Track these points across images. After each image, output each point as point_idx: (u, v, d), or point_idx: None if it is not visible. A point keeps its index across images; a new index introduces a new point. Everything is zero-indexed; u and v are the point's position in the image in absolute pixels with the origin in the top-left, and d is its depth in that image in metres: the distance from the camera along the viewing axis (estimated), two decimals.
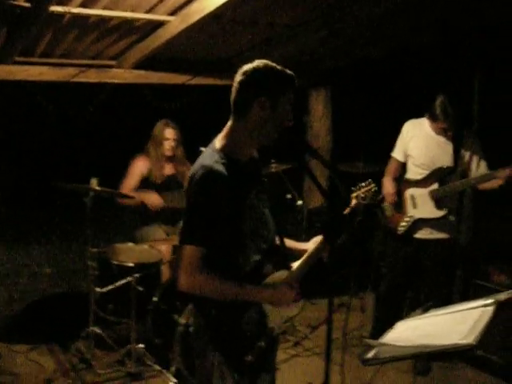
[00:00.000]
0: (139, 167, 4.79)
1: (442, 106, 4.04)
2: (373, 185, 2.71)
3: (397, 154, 4.50)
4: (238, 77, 2.33)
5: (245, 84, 2.30)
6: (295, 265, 2.53)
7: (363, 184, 2.72)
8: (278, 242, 2.52)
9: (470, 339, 2.01)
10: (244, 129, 2.33)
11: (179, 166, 4.89)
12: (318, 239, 2.60)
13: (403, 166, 4.50)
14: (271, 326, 2.42)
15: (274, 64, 2.32)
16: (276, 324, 2.45)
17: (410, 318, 2.58)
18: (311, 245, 2.61)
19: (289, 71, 2.33)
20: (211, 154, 2.31)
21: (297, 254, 2.61)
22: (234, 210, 2.28)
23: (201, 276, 2.21)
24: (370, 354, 2.25)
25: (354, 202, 2.69)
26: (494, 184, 4.02)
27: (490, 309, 2.24)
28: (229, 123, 2.38)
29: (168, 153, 4.78)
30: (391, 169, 4.53)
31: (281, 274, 2.45)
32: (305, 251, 2.59)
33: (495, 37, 4.72)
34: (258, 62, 2.32)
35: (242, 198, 2.32)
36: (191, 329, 2.45)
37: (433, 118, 4.16)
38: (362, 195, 2.68)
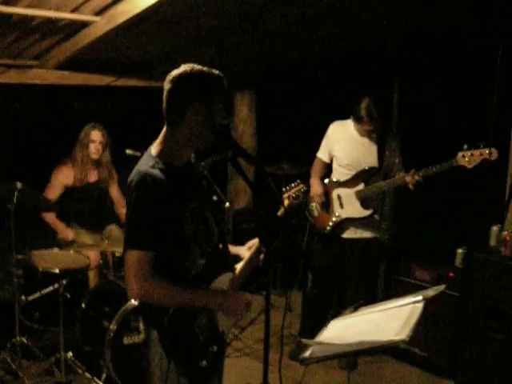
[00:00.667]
0: (62, 177, 4.66)
1: (368, 109, 4.14)
2: (302, 185, 2.76)
3: (322, 154, 4.60)
4: (167, 84, 2.30)
5: (175, 92, 2.29)
6: (237, 267, 2.58)
7: (293, 184, 2.76)
8: (220, 245, 2.51)
9: (404, 335, 2.10)
10: (180, 135, 2.32)
11: (103, 172, 4.82)
12: (253, 242, 2.64)
13: (328, 166, 4.61)
14: (222, 330, 2.45)
15: (200, 66, 2.31)
16: (226, 327, 2.48)
17: (342, 316, 2.65)
18: (244, 250, 2.65)
19: (216, 71, 2.32)
20: (147, 160, 2.31)
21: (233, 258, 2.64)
22: (174, 213, 2.27)
23: (152, 281, 2.21)
24: (307, 354, 2.30)
25: (286, 202, 2.72)
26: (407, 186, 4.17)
27: (420, 305, 2.34)
28: (163, 130, 2.37)
29: (94, 156, 4.68)
30: (316, 169, 4.63)
31: (225, 277, 2.47)
32: (238, 255, 2.64)
33: (415, 40, 4.91)
34: (184, 67, 2.30)
35: (182, 201, 2.32)
36: (141, 339, 2.44)
37: (358, 120, 4.26)
38: (294, 195, 2.72)
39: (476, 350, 4.06)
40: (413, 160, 4.27)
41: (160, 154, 2.32)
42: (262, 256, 2.59)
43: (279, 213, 2.60)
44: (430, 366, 4.43)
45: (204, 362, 2.35)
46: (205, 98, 2.27)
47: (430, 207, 5.13)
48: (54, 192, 4.64)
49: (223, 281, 2.45)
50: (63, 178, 4.67)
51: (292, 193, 2.73)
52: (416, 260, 4.59)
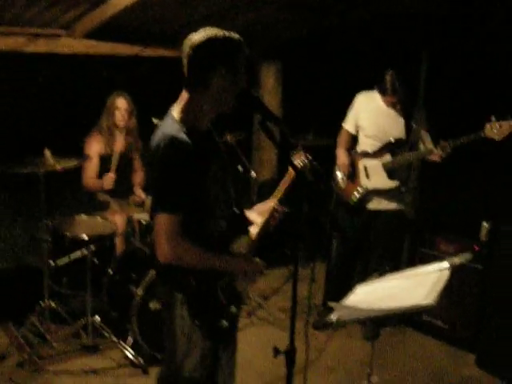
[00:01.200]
0: (94, 148, 4.71)
1: (391, 81, 4.12)
2: (302, 151, 2.65)
3: (348, 125, 4.57)
4: (189, 50, 2.28)
5: (199, 57, 2.27)
6: (253, 231, 2.60)
7: (295, 151, 2.73)
8: (236, 210, 2.55)
9: (431, 299, 2.11)
10: (204, 100, 2.32)
11: (130, 139, 4.84)
12: (263, 207, 2.67)
13: (354, 138, 4.59)
14: (239, 291, 2.51)
15: (219, 30, 2.29)
16: (243, 288, 2.53)
17: (368, 282, 2.68)
18: (255, 214, 2.67)
19: (236, 35, 2.31)
20: (172, 124, 2.32)
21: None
22: (199, 177, 2.30)
23: (183, 243, 2.25)
24: (334, 317, 2.33)
25: (290, 171, 2.64)
26: (434, 158, 4.14)
27: (447, 272, 2.35)
28: (186, 95, 2.36)
29: (120, 123, 4.70)
30: (342, 140, 4.61)
31: (243, 240, 2.53)
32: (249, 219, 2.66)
33: (444, 17, 4.84)
34: (205, 32, 2.28)
35: (206, 165, 2.35)
36: (157, 304, 2.49)
37: (382, 92, 4.25)
38: (302, 163, 2.63)
39: (498, 323, 4.06)
40: (440, 132, 4.23)
41: (184, 119, 2.33)
42: (273, 220, 2.62)
43: (286, 183, 2.62)
44: (452, 338, 4.45)
45: (225, 322, 2.42)
46: (229, 63, 2.28)
47: (455, 180, 5.10)
48: (92, 166, 4.68)
49: (242, 243, 2.51)
50: (95, 148, 4.71)
51: (299, 160, 2.69)
52: (441, 233, 4.57)
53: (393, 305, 2.19)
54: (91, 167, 4.69)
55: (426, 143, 4.28)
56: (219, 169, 2.43)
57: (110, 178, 4.67)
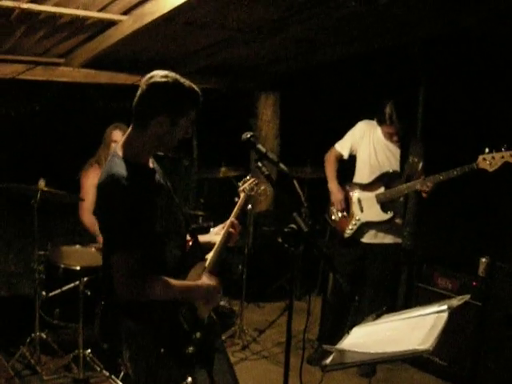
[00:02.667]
0: (91, 179, 4.68)
1: (390, 112, 4.12)
2: (253, 179, 3.00)
3: (341, 147, 4.52)
4: (143, 85, 2.29)
5: (146, 98, 2.28)
6: (209, 256, 2.66)
7: (246, 179, 3.01)
8: (189, 237, 2.61)
9: (428, 345, 2.07)
10: (141, 139, 2.33)
11: None
12: (221, 226, 2.76)
13: (342, 162, 4.57)
14: (201, 318, 2.53)
15: (182, 80, 2.30)
16: (204, 315, 2.56)
17: (364, 323, 2.63)
18: (213, 236, 2.76)
19: (196, 89, 2.33)
20: (114, 161, 2.33)
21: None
22: (147, 211, 2.30)
23: (141, 278, 2.23)
24: (328, 360, 2.28)
25: (242, 194, 2.93)
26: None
27: (445, 315, 2.31)
28: (130, 130, 2.38)
29: None
30: (331, 164, 4.56)
31: (199, 266, 2.56)
32: (208, 243, 2.71)
33: (441, 45, 4.87)
34: (166, 76, 2.28)
35: (151, 199, 2.35)
36: (130, 351, 2.52)
37: (380, 122, 4.26)
38: (248, 188, 2.95)
39: (497, 360, 4.00)
40: (436, 164, 4.21)
41: (126, 156, 2.33)
42: (232, 237, 2.74)
43: (237, 206, 2.85)
44: (449, 375, 4.37)
45: (191, 348, 2.43)
46: (174, 114, 2.29)
47: (453, 215, 5.08)
48: (88, 194, 4.65)
49: (198, 270, 2.54)
50: (92, 179, 4.68)
51: (246, 186, 2.95)
52: (438, 268, 4.52)
53: (389, 349, 2.14)
54: (88, 199, 4.64)
55: (421, 176, 4.26)
56: (165, 200, 2.44)
57: None
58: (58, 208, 4.42)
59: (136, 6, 3.87)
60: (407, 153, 4.30)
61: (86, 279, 3.98)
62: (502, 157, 3.65)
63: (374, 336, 2.39)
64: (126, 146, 2.36)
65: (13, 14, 3.76)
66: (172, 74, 2.29)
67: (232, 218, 2.77)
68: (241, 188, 2.95)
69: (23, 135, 5.74)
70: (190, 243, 2.60)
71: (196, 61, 5.26)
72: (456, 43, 4.81)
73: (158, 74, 2.29)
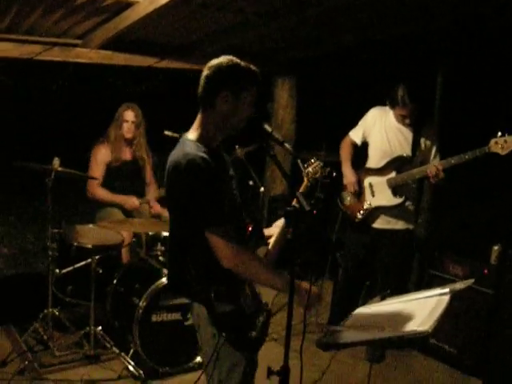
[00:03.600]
0: (101, 155, 4.77)
1: (402, 93, 4.12)
2: (318, 161, 2.87)
3: (354, 135, 4.56)
4: (205, 71, 2.45)
5: (209, 78, 2.42)
6: (270, 242, 2.68)
7: (310, 162, 2.86)
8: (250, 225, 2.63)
9: (426, 327, 2.07)
10: (211, 120, 2.45)
11: (137, 151, 4.88)
12: (280, 222, 2.73)
13: (356, 149, 4.56)
14: (265, 302, 2.56)
15: (238, 60, 2.43)
16: (268, 298, 2.60)
17: (368, 304, 2.64)
18: (274, 229, 2.75)
19: (253, 67, 2.45)
20: (189, 144, 2.41)
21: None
22: (220, 193, 2.37)
23: (240, 249, 2.34)
24: (329, 339, 2.30)
25: (305, 180, 2.83)
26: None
27: (446, 298, 2.31)
28: (199, 115, 2.50)
29: (127, 135, 4.77)
30: (346, 150, 4.59)
31: (262, 250, 2.60)
32: (269, 236, 2.72)
33: (460, 32, 4.82)
34: (223, 58, 2.44)
35: (223, 181, 2.44)
36: (191, 322, 2.58)
37: (392, 104, 4.24)
38: (312, 171, 2.83)
39: (507, 349, 3.98)
40: (451, 150, 4.18)
41: (199, 139, 2.44)
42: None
43: (301, 188, 2.77)
44: (458, 363, 4.36)
45: (254, 333, 2.47)
46: (235, 89, 2.40)
47: (467, 202, 5.04)
48: (97, 171, 4.72)
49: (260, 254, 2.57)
50: (102, 156, 4.77)
51: (310, 169, 2.84)
52: (450, 255, 4.51)
53: (389, 330, 2.15)
54: (97, 174, 4.71)
55: (434, 160, 4.23)
56: (229, 187, 2.52)
57: (133, 202, 4.74)
58: (72, 187, 4.46)
59: None
60: (420, 136, 4.28)
61: (97, 257, 4.04)
62: None
63: (376, 317, 2.40)
64: (198, 129, 2.48)
65: None
66: (228, 56, 2.43)
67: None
68: (305, 171, 2.84)
69: (39, 115, 5.81)
70: (250, 228, 2.62)
71: (212, 44, 5.26)
72: (474, 30, 4.75)
73: (215, 60, 2.44)
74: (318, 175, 2.83)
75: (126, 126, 4.75)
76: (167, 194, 2.49)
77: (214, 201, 2.32)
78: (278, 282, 2.43)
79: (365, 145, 4.56)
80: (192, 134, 2.47)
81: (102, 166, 4.76)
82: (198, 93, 2.47)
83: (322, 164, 2.86)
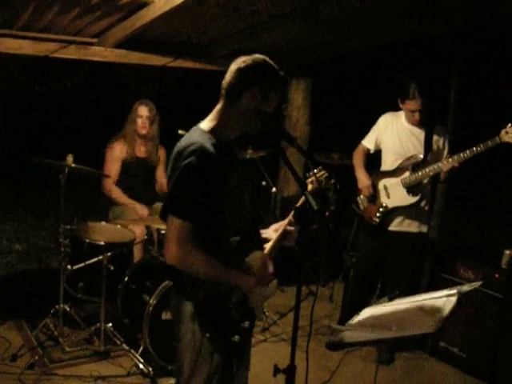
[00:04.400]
0: (116, 152, 4.81)
1: (413, 87, 4.15)
2: (324, 171, 2.84)
3: (367, 141, 4.59)
4: (236, 64, 2.42)
5: (243, 71, 2.39)
6: (267, 246, 2.61)
7: (316, 170, 2.83)
8: (253, 225, 2.61)
9: (433, 327, 2.07)
10: (232, 114, 2.43)
11: (151, 147, 4.92)
12: (279, 224, 2.70)
13: (369, 156, 4.57)
14: (252, 306, 2.50)
15: (271, 61, 2.44)
16: (256, 305, 2.53)
17: (376, 305, 2.64)
18: (271, 232, 2.70)
19: (283, 72, 2.45)
20: (200, 133, 2.38)
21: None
22: (219, 189, 2.35)
23: (190, 249, 2.27)
24: (336, 339, 2.31)
25: (310, 186, 2.79)
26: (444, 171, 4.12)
27: (453, 299, 2.31)
28: (218, 106, 2.46)
29: (141, 130, 4.80)
30: (359, 156, 4.63)
31: (255, 255, 2.53)
32: (266, 238, 2.68)
33: (474, 35, 4.79)
34: (258, 55, 2.43)
35: (226, 178, 2.41)
36: (172, 315, 2.54)
37: (402, 99, 4.26)
38: (317, 180, 2.80)
39: None
40: (465, 148, 4.16)
41: (212, 130, 2.41)
42: (290, 235, 2.65)
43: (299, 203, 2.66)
44: (468, 367, 4.34)
45: (237, 337, 2.42)
46: (266, 87, 2.39)
47: (480, 206, 5.02)
48: (112, 168, 4.76)
49: (254, 258, 2.51)
50: (117, 152, 4.81)
51: (315, 178, 2.81)
52: (461, 258, 4.49)
53: (395, 329, 2.15)
54: (112, 171, 4.75)
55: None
56: (237, 183, 2.50)
57: (143, 214, 4.77)
58: (85, 184, 4.50)
59: None
60: (431, 135, 4.28)
61: (109, 254, 4.06)
62: None
63: (383, 317, 2.40)
64: (214, 120, 2.44)
65: None
66: (262, 56, 2.43)
67: (291, 216, 2.67)
68: (309, 179, 2.81)
69: (54, 112, 5.86)
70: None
71: (227, 45, 5.28)
72: (487, 31, 4.73)
73: (247, 56, 2.43)
74: (322, 185, 2.81)
75: (140, 121, 4.79)
76: (168, 180, 2.41)
77: (198, 195, 2.26)
78: (233, 281, 2.39)
79: (377, 153, 4.59)
80: (206, 124, 2.43)
81: (117, 163, 4.80)
82: (223, 84, 2.44)
83: (327, 174, 2.84)
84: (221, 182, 2.35)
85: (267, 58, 2.43)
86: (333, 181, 2.85)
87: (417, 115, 4.23)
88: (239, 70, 2.40)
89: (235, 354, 2.52)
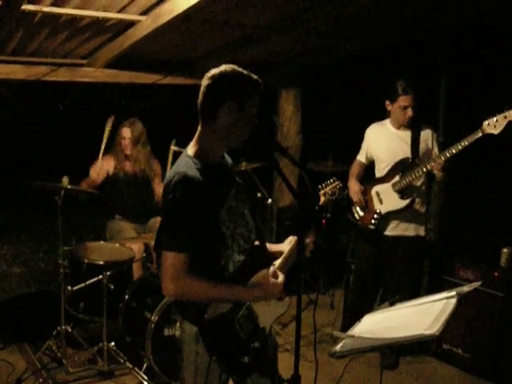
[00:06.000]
0: (105, 162, 4.88)
1: (402, 83, 4.22)
2: (338, 181, 2.78)
3: (360, 156, 4.68)
4: (205, 81, 2.35)
5: (212, 88, 2.33)
6: (276, 263, 2.56)
7: (329, 182, 2.79)
8: (257, 242, 2.55)
9: (434, 330, 2.08)
10: (213, 133, 2.36)
11: (138, 166, 4.96)
12: (292, 239, 2.65)
13: (365, 169, 4.63)
14: (262, 326, 2.45)
15: (240, 69, 2.36)
16: (267, 324, 2.48)
17: (377, 311, 2.66)
18: (286, 245, 2.65)
19: (254, 76, 2.37)
20: (185, 160, 2.35)
21: (273, 256, 2.63)
22: (212, 214, 2.31)
23: (187, 279, 2.24)
24: (338, 347, 2.32)
25: (322, 198, 2.76)
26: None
27: (453, 301, 2.32)
28: (199, 128, 2.41)
29: (125, 151, 4.90)
30: (354, 169, 4.69)
31: (264, 273, 2.46)
32: (279, 252, 2.63)
33: (462, 36, 4.85)
34: (224, 67, 2.34)
35: (220, 200, 2.36)
36: (178, 335, 2.49)
37: (393, 98, 4.29)
38: (330, 192, 2.75)
39: None
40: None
41: (197, 154, 2.36)
42: (307, 250, 2.60)
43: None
44: (472, 368, 4.35)
45: (246, 358, 2.36)
46: (239, 98, 2.31)
47: (476, 206, 5.05)
48: (96, 171, 4.77)
49: (261, 277, 2.44)
50: (106, 163, 4.90)
51: (328, 189, 2.76)
52: (460, 259, 4.52)
53: (396, 334, 2.16)
54: (95, 171, 4.79)
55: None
56: (237, 202, 2.45)
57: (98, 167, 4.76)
58: (81, 204, 4.52)
59: (154, 6, 3.94)
60: (418, 136, 4.32)
61: (109, 273, 4.07)
62: (505, 117, 3.71)
63: (384, 322, 2.41)
64: (197, 143, 2.40)
65: (35, 18, 3.87)
66: (230, 66, 2.35)
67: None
68: (322, 191, 2.75)
69: (47, 134, 5.88)
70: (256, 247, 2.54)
71: (216, 59, 5.31)
72: (475, 30, 4.78)
73: (216, 69, 2.35)
74: (335, 196, 2.75)
75: (123, 142, 4.87)
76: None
77: (187, 226, 2.23)
78: (241, 297, 2.35)
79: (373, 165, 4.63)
80: (190, 150, 2.39)
81: (103, 170, 4.86)
82: (198, 104, 2.38)
83: (341, 185, 2.77)
84: (212, 206, 2.31)
85: (235, 67, 2.34)
86: (347, 191, 2.77)
87: (409, 111, 4.25)
88: (208, 88, 2.33)
89: (244, 374, 2.47)
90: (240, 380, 2.50)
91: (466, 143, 3.86)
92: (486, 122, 3.76)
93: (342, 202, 2.75)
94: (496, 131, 3.73)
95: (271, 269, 2.46)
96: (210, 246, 2.33)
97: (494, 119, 3.73)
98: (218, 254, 2.36)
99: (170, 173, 2.35)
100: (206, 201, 2.26)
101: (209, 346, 2.34)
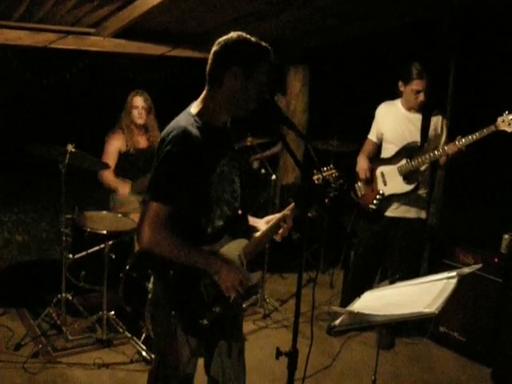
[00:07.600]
0: (115, 143, 4.76)
1: (417, 67, 4.16)
2: (334, 170, 2.67)
3: (371, 135, 4.62)
4: (214, 47, 2.35)
5: (218, 54, 2.32)
6: (254, 235, 2.58)
7: (325, 168, 2.68)
8: (239, 211, 2.54)
9: (433, 308, 2.09)
10: (218, 98, 2.35)
11: (152, 137, 4.88)
12: (272, 217, 2.64)
13: (377, 148, 4.59)
14: (228, 295, 2.44)
15: (248, 36, 2.33)
16: (231, 294, 2.47)
17: (377, 288, 2.67)
18: (262, 224, 2.65)
19: (264, 43, 2.33)
20: (186, 117, 2.34)
21: (253, 229, 2.66)
22: (203, 173, 2.31)
23: (165, 233, 2.24)
24: (336, 322, 2.33)
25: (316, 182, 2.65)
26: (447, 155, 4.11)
27: (454, 281, 2.33)
28: (204, 92, 2.40)
29: (138, 121, 4.74)
30: (365, 148, 4.63)
31: (239, 243, 2.49)
32: (254, 227, 2.64)
33: (473, 19, 4.80)
34: (232, 33, 2.34)
35: (214, 162, 2.36)
36: (150, 296, 2.50)
37: (407, 80, 4.24)
38: (323, 179, 2.61)
39: None
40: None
41: (199, 113, 2.36)
42: (281, 231, 2.58)
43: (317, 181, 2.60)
44: (468, 351, 4.38)
45: (205, 321, 2.38)
46: (246, 64, 2.29)
47: (478, 192, 5.04)
48: (110, 159, 4.73)
49: (236, 246, 2.47)
50: (116, 144, 4.77)
51: (323, 175, 2.64)
52: (461, 243, 4.52)
53: (396, 311, 2.17)
54: (108, 159, 4.71)
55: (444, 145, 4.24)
56: (229, 168, 2.44)
57: (124, 190, 4.69)
58: (85, 176, 4.50)
59: None
60: (429, 121, 4.28)
61: (110, 243, 4.08)
62: None
63: (384, 300, 2.42)
64: (201, 103, 2.39)
65: None
66: (239, 32, 2.34)
67: (287, 211, 2.58)
68: (315, 177, 2.61)
69: (53, 103, 5.86)
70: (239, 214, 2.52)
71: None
72: (485, 16, 4.74)
73: (224, 36, 2.35)
74: (328, 184, 2.62)
75: (135, 112, 4.73)
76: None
77: (178, 180, 2.23)
78: (200, 264, 2.33)
79: None
80: (194, 108, 2.39)
81: (114, 153, 4.74)
82: (206, 70, 2.36)
83: (337, 174, 2.67)
84: (206, 166, 2.31)
85: (243, 34, 2.32)
86: (341, 181, 2.72)
87: (421, 96, 4.21)
88: (215, 54, 2.33)
89: (206, 338, 2.50)
90: (196, 342, 2.49)
91: (478, 137, 3.84)
92: (500, 119, 3.73)
93: (335, 191, 2.66)
94: (510, 129, 3.71)
95: (244, 245, 2.48)
96: (194, 205, 2.33)
97: (509, 117, 3.70)
98: (201, 216, 2.37)
99: (168, 126, 2.34)
100: (200, 160, 2.26)
101: (171, 300, 2.37)
